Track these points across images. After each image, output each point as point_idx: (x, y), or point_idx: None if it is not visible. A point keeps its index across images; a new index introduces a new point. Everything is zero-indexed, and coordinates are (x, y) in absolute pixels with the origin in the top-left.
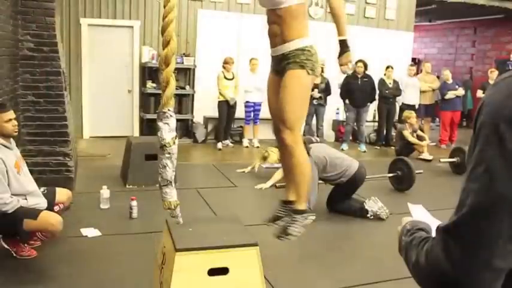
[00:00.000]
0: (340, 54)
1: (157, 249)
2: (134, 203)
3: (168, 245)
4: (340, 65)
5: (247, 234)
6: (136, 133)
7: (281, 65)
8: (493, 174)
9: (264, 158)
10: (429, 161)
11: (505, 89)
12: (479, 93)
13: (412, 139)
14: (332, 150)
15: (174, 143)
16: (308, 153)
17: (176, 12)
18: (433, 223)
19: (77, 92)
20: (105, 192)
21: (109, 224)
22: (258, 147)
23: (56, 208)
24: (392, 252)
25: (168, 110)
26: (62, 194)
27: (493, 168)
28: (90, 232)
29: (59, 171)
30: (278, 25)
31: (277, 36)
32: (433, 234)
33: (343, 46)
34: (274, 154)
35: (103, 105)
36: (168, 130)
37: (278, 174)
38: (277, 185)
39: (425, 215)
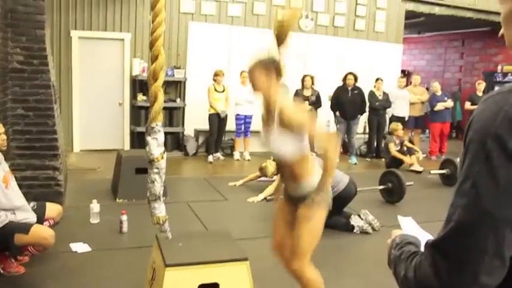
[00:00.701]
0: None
1: (147, 264)
2: (124, 217)
3: (158, 260)
4: None
5: (238, 249)
6: (127, 146)
7: (296, 200)
8: (479, 190)
9: (261, 170)
10: (419, 172)
11: (493, 106)
12: (468, 105)
13: (395, 153)
14: None
15: (162, 157)
16: None
17: (164, 27)
18: (423, 236)
19: (67, 104)
20: (95, 206)
21: (99, 238)
22: (249, 160)
23: (46, 224)
24: (382, 266)
25: (157, 124)
26: (53, 210)
27: (480, 185)
28: (79, 247)
29: (48, 185)
30: (288, 170)
31: (288, 179)
32: (422, 248)
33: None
34: (271, 167)
35: (93, 118)
36: (156, 145)
37: (271, 188)
38: (267, 197)
39: (415, 228)
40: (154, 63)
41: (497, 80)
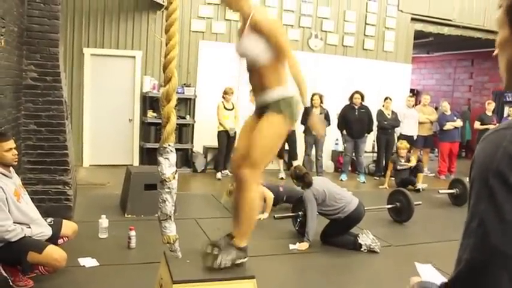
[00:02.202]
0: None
1: (154, 280)
2: (133, 233)
3: (165, 276)
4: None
5: (244, 266)
6: (136, 162)
7: (262, 110)
8: (486, 228)
9: (230, 192)
10: (418, 190)
11: (491, 144)
12: (477, 125)
13: (388, 172)
14: (333, 185)
15: (174, 178)
16: (310, 184)
17: (177, 50)
18: (442, 282)
19: (78, 120)
20: (103, 221)
21: (107, 253)
22: None
23: (60, 241)
24: (389, 286)
25: (169, 145)
26: (68, 228)
27: (486, 223)
28: (87, 262)
29: (58, 199)
30: (257, 78)
31: (257, 88)
32: None
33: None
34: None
35: (104, 134)
36: (168, 165)
37: (270, 200)
38: (275, 216)
39: (434, 275)
40: (168, 85)
41: (507, 99)
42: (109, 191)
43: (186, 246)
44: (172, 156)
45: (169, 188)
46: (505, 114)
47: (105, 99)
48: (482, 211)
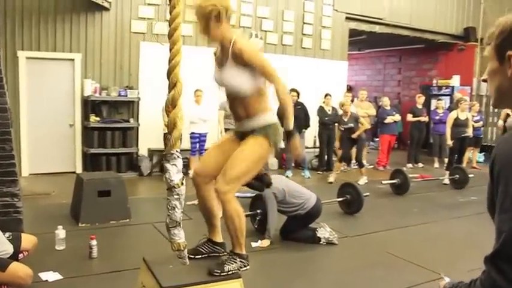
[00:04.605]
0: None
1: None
2: (94, 242)
3: (149, 283)
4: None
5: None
6: (79, 169)
7: (246, 134)
8: None
9: None
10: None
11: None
12: (409, 117)
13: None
14: (291, 183)
15: (182, 184)
16: (270, 184)
17: (182, 56)
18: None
19: (15, 127)
20: (60, 232)
21: (69, 265)
22: None
23: (20, 256)
24: (352, 274)
25: (176, 151)
26: (27, 241)
27: None
28: (50, 276)
29: (7, 212)
30: (241, 107)
31: (241, 116)
32: None
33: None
34: None
35: (43, 141)
36: (176, 171)
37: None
38: None
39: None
40: (173, 90)
41: (433, 93)
42: (55, 200)
43: (151, 252)
44: (180, 162)
45: (178, 194)
46: (433, 107)
47: (44, 104)
48: None
